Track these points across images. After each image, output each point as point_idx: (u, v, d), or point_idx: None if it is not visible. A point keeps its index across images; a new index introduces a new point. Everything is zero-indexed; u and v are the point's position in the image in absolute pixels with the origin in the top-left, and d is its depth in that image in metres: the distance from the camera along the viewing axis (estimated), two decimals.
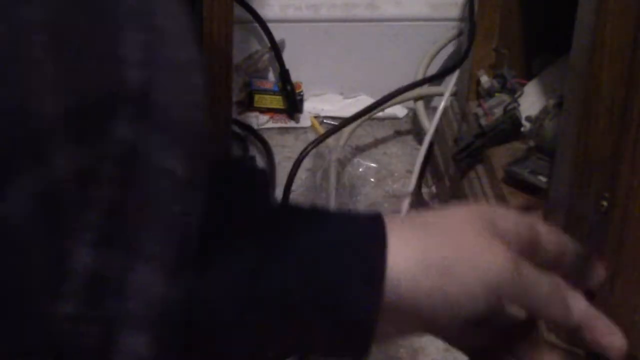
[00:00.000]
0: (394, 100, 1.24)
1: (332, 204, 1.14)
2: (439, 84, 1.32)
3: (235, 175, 0.41)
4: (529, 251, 0.39)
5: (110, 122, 0.29)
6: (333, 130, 1.17)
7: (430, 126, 1.22)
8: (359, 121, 1.24)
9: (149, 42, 0.30)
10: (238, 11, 1.11)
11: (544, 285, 0.38)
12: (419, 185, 1.15)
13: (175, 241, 0.31)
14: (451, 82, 1.21)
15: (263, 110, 1.29)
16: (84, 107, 0.29)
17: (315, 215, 0.39)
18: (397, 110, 1.33)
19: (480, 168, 1.04)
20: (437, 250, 0.37)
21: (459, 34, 1.28)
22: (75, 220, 0.29)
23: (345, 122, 1.18)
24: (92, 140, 0.29)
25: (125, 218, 0.30)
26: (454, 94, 1.19)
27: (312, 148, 1.13)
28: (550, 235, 0.41)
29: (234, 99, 1.22)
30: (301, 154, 1.12)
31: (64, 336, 0.28)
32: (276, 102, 1.29)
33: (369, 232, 0.37)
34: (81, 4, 0.29)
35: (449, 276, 0.36)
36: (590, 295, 0.41)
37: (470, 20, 1.07)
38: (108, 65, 0.29)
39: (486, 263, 0.37)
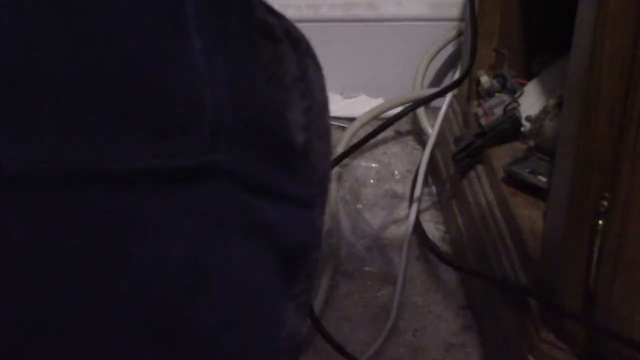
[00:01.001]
0: (394, 102, 1.24)
1: (333, 205, 1.14)
2: (439, 85, 1.32)
3: None
4: None
5: (282, 177, 0.32)
6: (363, 142, 1.12)
7: (430, 127, 1.22)
8: (360, 123, 1.24)
9: (308, 108, 0.34)
10: None
11: None
12: (413, 186, 1.15)
13: (311, 286, 0.35)
14: (457, 87, 1.20)
15: None
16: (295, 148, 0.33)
17: None
18: (397, 110, 1.33)
19: (480, 168, 1.04)
20: None
21: (459, 34, 1.28)
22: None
23: (375, 132, 1.11)
24: (300, 175, 0.33)
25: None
26: (454, 95, 1.19)
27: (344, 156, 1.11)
28: None
29: None
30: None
31: None
32: None
33: None
34: (261, 73, 0.32)
35: None
36: None
37: (473, 24, 1.06)
38: (281, 126, 0.32)
39: None
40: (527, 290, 0.85)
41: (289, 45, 0.34)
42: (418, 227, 1.10)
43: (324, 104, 0.36)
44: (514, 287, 0.87)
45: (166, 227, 0.27)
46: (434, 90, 1.30)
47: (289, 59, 0.33)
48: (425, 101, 1.16)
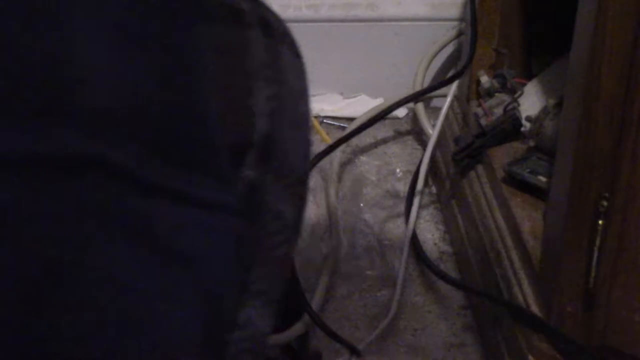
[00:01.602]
0: (394, 102, 1.24)
1: (333, 205, 1.14)
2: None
3: None
4: None
5: (240, 163, 0.31)
6: (343, 140, 1.14)
7: (429, 127, 1.22)
8: (360, 123, 1.24)
9: (276, 95, 0.32)
10: None
11: None
12: (412, 187, 1.15)
13: (279, 282, 0.34)
14: (452, 83, 1.20)
15: None
16: (222, 147, 0.31)
17: None
18: (398, 110, 1.33)
19: (480, 168, 1.04)
20: None
21: (459, 34, 1.28)
22: None
23: (355, 131, 1.14)
24: (224, 177, 0.31)
25: (243, 252, 0.32)
26: (454, 95, 1.19)
27: (322, 157, 1.12)
28: None
29: None
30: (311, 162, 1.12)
31: None
32: None
33: None
34: (221, 55, 0.31)
35: None
36: None
37: (473, 23, 1.07)
38: (241, 112, 0.31)
39: None
40: (529, 313, 0.85)
41: (260, 31, 0.33)
42: (416, 244, 1.10)
43: (299, 93, 0.35)
44: (514, 307, 0.87)
45: (45, 220, 0.26)
46: (435, 90, 1.30)
47: (257, 44, 0.32)
48: (424, 92, 1.16)
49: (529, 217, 0.90)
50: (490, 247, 0.95)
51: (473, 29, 1.06)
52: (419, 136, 1.31)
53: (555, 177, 0.79)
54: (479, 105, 1.06)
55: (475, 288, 1.00)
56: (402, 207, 1.17)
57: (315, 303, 1.01)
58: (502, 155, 1.00)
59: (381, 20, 1.33)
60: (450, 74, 1.32)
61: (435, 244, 1.13)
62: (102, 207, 0.27)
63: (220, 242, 0.31)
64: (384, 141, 1.31)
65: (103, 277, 0.27)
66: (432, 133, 1.16)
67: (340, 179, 1.21)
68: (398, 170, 1.26)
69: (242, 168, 0.31)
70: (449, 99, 1.17)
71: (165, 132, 0.29)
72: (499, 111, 1.03)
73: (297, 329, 0.96)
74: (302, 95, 0.35)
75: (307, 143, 0.36)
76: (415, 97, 1.18)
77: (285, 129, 0.33)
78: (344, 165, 1.24)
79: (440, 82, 1.16)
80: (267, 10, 0.33)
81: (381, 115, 1.10)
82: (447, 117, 1.18)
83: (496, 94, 1.06)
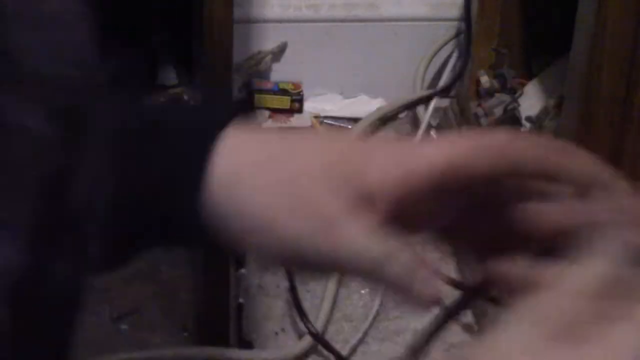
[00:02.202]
0: (398, 102, 1.24)
1: None
2: (439, 85, 1.32)
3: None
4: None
5: None
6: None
7: (429, 127, 1.22)
8: (366, 123, 1.24)
9: None
10: (238, 11, 1.11)
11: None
12: None
13: (31, 207, 0.29)
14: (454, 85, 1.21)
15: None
16: None
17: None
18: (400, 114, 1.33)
19: None
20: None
21: (459, 34, 1.28)
22: None
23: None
24: None
25: None
26: (454, 95, 1.20)
27: None
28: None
29: (234, 98, 1.22)
30: None
31: None
32: (276, 102, 1.29)
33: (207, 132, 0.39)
34: None
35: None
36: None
37: (467, 21, 1.07)
38: None
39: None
40: None
41: None
42: None
43: None
44: None
45: None
46: (435, 90, 1.30)
47: None
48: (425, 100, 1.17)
49: None
50: None
51: (467, 30, 1.06)
52: (419, 137, 1.31)
53: None
54: (479, 105, 1.06)
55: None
56: None
57: (317, 303, 1.01)
58: None
59: (381, 20, 1.33)
60: (450, 73, 1.32)
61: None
62: None
63: None
64: None
65: None
66: (432, 133, 1.16)
67: None
68: None
69: None
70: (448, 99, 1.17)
71: None
72: (499, 111, 1.03)
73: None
74: None
75: (63, 44, 0.31)
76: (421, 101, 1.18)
77: (21, 30, 0.29)
78: None
79: (441, 89, 1.16)
80: None
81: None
82: (447, 116, 1.18)
83: (496, 94, 1.06)
